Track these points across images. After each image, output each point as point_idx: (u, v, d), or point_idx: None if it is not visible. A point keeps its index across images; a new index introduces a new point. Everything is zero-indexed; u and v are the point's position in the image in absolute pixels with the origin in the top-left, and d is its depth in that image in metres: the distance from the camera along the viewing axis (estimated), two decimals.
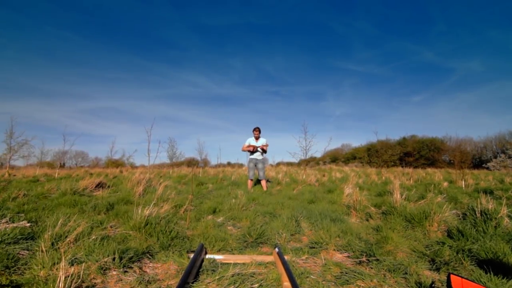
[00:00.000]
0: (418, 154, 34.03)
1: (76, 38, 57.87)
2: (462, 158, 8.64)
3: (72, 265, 1.68)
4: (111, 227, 2.68)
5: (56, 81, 58.71)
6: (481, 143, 31.30)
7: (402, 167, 14.98)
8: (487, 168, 25.38)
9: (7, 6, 48.71)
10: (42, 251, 1.71)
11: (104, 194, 4.64)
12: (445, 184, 7.14)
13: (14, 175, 10.99)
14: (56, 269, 1.58)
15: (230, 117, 62.09)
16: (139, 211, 2.48)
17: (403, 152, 30.13)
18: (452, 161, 32.87)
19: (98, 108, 58.61)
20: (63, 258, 1.47)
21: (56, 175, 11.36)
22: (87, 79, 60.48)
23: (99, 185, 5.61)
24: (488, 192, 5.95)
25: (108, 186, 5.62)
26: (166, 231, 2.41)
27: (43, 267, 1.57)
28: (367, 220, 3.68)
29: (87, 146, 63.01)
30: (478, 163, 30.25)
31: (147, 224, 2.43)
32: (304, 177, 7.58)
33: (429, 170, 16.82)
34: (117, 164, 23.54)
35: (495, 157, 27.71)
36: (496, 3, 49.57)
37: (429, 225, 3.12)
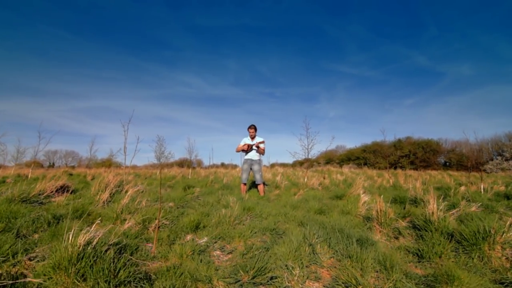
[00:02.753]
0: (414, 156, 33.63)
1: (71, 37, 56.34)
2: (477, 159, 7.93)
3: None
4: (30, 259, 1.75)
5: (49, 80, 56.98)
6: (476, 145, 31.05)
7: (401, 169, 14.29)
8: (484, 171, 25.04)
9: (1, 5, 46.89)
10: None
11: (61, 201, 3.68)
12: (462, 188, 6.39)
13: None
14: None
15: (225, 118, 61.03)
16: (71, 236, 1.57)
17: (405, 154, 29.66)
18: (448, 163, 32.62)
19: (92, 107, 56.92)
20: None
21: (29, 176, 10.24)
22: (81, 78, 58.85)
23: (63, 189, 4.63)
24: None
25: (73, 191, 4.65)
26: (112, 269, 1.51)
27: None
28: (396, 238, 2.84)
29: (78, 146, 61.12)
30: (474, 165, 29.94)
31: (82, 259, 1.52)
32: (305, 180, 6.74)
33: (432, 172, 16.20)
34: (106, 163, 22.34)
35: (491, 160, 27.44)
36: (486, 9, 50.17)
37: (489, 249, 2.29)
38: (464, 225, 2.74)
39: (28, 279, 1.44)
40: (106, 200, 3.56)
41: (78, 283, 1.43)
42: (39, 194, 3.98)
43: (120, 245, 1.82)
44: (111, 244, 1.71)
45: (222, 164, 28.40)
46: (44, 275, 1.49)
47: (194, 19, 61.20)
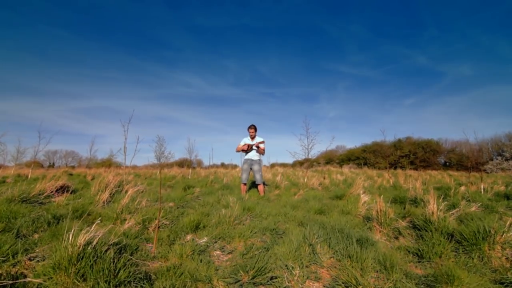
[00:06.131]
0: (413, 156, 33.62)
1: (71, 37, 56.36)
2: (478, 159, 7.93)
3: None
4: (30, 259, 1.75)
5: (49, 80, 57.01)
6: (476, 145, 31.05)
7: (401, 169, 14.29)
8: (484, 171, 25.03)
9: (1, 5, 46.93)
10: None
11: (61, 201, 3.68)
12: (462, 188, 6.38)
13: None
14: None
15: (225, 118, 61.01)
16: (71, 236, 1.57)
17: (405, 154, 29.64)
18: (448, 163, 32.61)
19: (92, 107, 56.91)
20: None
21: (29, 176, 10.24)
22: (81, 78, 58.87)
23: (63, 189, 4.64)
24: None
25: (73, 191, 4.65)
26: (112, 270, 1.51)
27: None
28: (396, 238, 2.84)
29: (79, 146, 61.15)
30: (474, 165, 29.94)
31: (82, 259, 1.52)
32: (305, 180, 6.74)
33: (432, 172, 16.19)
34: (106, 163, 22.34)
35: (491, 160, 27.43)
36: (486, 9, 50.17)
37: (489, 249, 2.29)
38: (464, 225, 2.73)
39: (28, 279, 1.44)
40: (106, 200, 3.56)
41: (78, 283, 1.43)
42: (39, 194, 3.98)
43: (120, 245, 1.83)
44: (111, 244, 1.71)
45: (222, 164, 28.39)
46: (44, 275, 1.49)
47: (194, 19, 61.21)
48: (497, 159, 26.35)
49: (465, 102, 53.23)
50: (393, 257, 2.01)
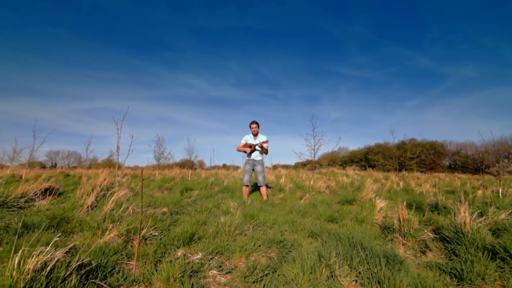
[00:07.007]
0: (418, 158, 33.07)
1: (73, 38, 56.46)
2: (486, 161, 7.48)
3: None
4: None
5: (51, 80, 57.07)
6: (482, 147, 30.49)
7: (407, 171, 13.85)
8: (492, 174, 24.49)
9: (4, 6, 47.04)
10: None
11: (43, 205, 3.30)
12: (479, 192, 5.96)
13: None
14: None
15: (226, 119, 60.76)
16: (17, 259, 1.19)
17: (409, 157, 29.15)
18: (453, 165, 32.02)
19: (94, 108, 56.87)
20: None
21: (24, 176, 9.90)
22: (84, 79, 58.89)
23: (48, 192, 4.27)
24: None
25: (60, 193, 4.29)
26: None
27: None
28: (423, 253, 2.44)
29: (81, 147, 61.00)
30: (483, 168, 29.36)
31: None
32: (311, 182, 6.34)
33: (440, 175, 15.72)
34: (107, 164, 22.01)
35: (498, 162, 26.89)
36: (489, 11, 49.67)
37: None
38: (503, 238, 2.33)
39: None
40: (91, 205, 3.18)
41: None
42: (20, 197, 3.62)
43: (91, 266, 1.44)
44: (74, 268, 1.33)
45: (224, 166, 28.02)
46: None
47: (196, 20, 61.19)
48: (503, 161, 25.85)
49: (468, 104, 52.72)
50: (428, 281, 1.61)
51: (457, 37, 54.00)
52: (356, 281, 1.69)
